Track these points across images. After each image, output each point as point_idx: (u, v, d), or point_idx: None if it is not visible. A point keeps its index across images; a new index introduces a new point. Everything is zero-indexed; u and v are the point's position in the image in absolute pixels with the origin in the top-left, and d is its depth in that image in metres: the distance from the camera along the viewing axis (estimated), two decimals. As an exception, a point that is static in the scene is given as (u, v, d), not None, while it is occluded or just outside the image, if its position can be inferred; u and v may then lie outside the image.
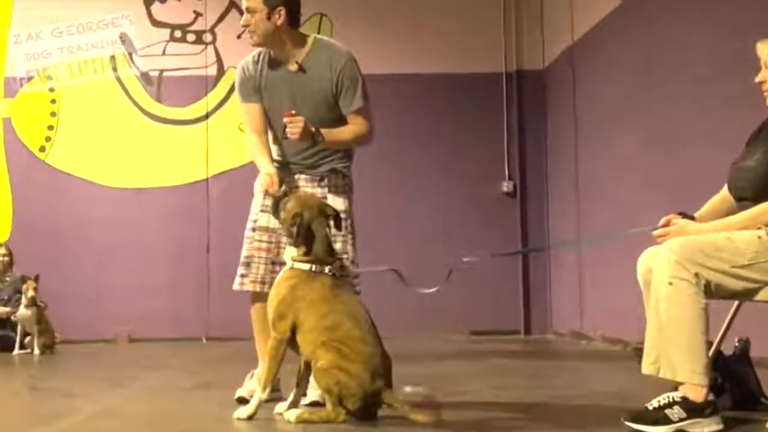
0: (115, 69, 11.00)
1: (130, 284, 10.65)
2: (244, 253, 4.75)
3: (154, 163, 10.90)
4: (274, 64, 4.70)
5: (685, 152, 7.05)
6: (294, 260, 4.07)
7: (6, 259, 9.91)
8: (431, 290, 4.36)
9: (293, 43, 4.65)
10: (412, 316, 9.84)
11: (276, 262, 4.61)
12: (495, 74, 10.96)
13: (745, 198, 3.76)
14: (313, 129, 4.44)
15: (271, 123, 4.74)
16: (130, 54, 11.01)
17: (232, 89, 10.88)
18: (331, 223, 4.16)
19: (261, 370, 4.46)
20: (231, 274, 11.23)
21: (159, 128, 10.96)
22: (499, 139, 10.92)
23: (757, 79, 3.74)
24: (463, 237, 10.66)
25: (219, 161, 10.79)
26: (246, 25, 4.61)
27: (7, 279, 9.80)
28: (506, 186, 10.88)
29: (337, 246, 4.41)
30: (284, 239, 4.42)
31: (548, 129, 10.80)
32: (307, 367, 4.00)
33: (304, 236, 4.03)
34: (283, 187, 4.38)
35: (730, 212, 3.80)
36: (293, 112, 4.44)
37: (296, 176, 4.71)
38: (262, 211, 4.68)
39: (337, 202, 4.58)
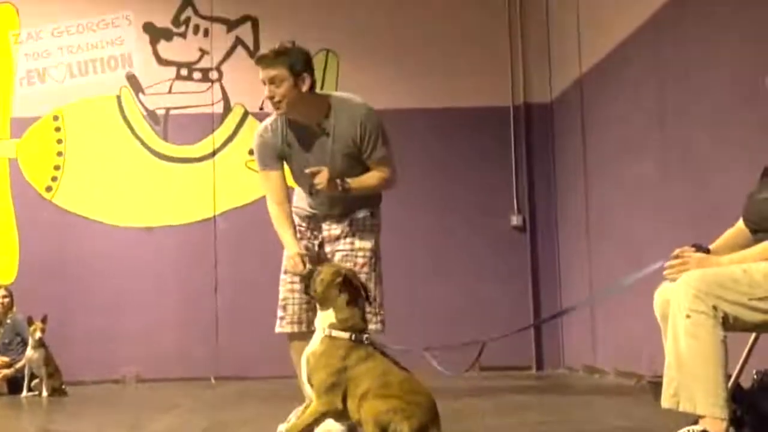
0: (121, 108, 11.01)
1: (137, 324, 10.57)
2: (280, 296, 4.85)
3: (161, 202, 10.85)
4: (295, 128, 4.72)
5: (702, 183, 6.91)
6: (331, 328, 3.95)
7: (6, 300, 9.75)
8: (457, 374, 4.38)
9: (315, 106, 4.67)
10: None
11: (309, 301, 4.63)
12: (502, 108, 10.93)
13: (761, 230, 3.74)
14: (338, 180, 4.55)
15: (297, 183, 4.87)
16: (136, 93, 11.02)
17: (238, 126, 10.90)
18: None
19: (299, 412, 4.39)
20: (239, 312, 11.16)
21: (166, 167, 10.94)
22: (507, 173, 10.87)
23: None
24: (472, 273, 10.61)
25: (226, 199, 10.76)
26: (271, 97, 4.58)
27: (8, 321, 9.67)
28: (515, 219, 10.82)
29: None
30: None
31: (556, 162, 10.74)
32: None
33: (348, 294, 3.96)
34: (308, 267, 4.41)
35: (746, 245, 3.77)
36: (314, 168, 4.54)
37: (324, 224, 4.82)
38: None
39: (364, 243, 4.73)
